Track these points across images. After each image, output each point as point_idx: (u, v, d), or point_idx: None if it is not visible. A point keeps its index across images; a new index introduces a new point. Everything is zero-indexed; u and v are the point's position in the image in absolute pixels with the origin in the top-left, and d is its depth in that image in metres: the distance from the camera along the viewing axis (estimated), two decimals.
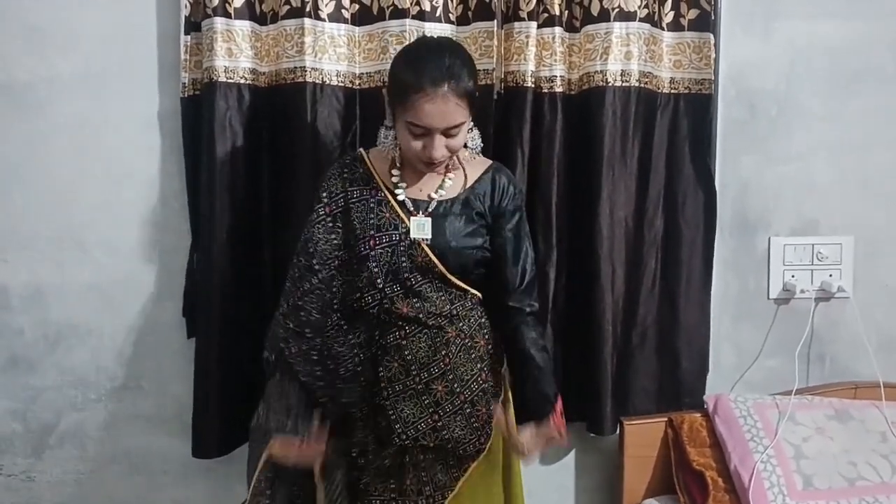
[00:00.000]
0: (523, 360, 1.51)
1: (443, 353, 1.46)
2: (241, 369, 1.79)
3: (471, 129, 1.48)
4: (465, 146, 1.50)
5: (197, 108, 1.79)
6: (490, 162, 1.56)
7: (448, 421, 1.46)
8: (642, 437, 1.89)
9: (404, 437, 1.45)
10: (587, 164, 1.83)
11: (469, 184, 1.51)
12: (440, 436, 1.46)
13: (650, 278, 1.91)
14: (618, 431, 1.90)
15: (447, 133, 1.40)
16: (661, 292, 1.92)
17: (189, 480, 1.96)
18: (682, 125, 1.89)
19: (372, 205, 1.47)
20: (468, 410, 1.48)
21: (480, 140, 1.52)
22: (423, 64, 1.37)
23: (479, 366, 1.50)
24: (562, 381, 1.87)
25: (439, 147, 1.39)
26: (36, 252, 1.90)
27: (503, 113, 1.80)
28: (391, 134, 1.48)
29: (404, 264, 1.45)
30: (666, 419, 1.90)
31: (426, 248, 1.45)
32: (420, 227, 1.45)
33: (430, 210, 1.48)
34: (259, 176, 1.81)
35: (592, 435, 1.93)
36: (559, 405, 1.50)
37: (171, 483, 1.97)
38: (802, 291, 1.98)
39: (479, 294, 1.53)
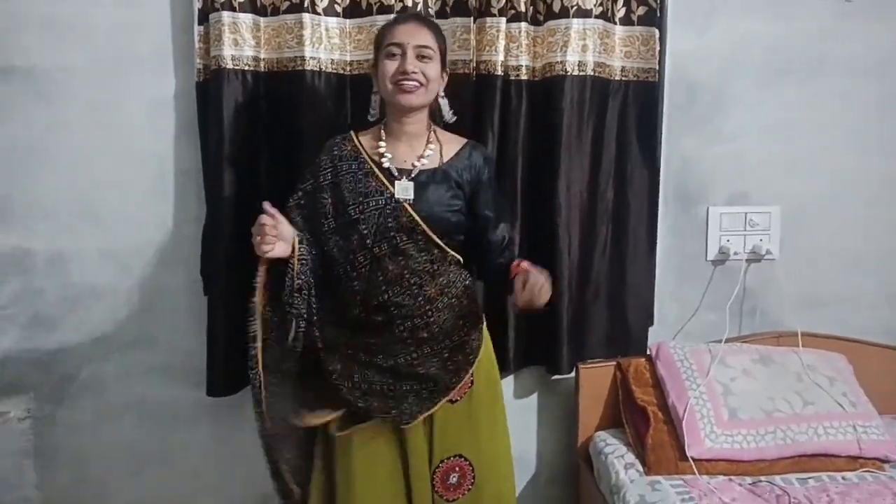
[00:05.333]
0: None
1: (427, 307, 1.59)
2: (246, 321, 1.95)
3: (443, 95, 1.68)
4: (440, 117, 1.69)
5: (208, 92, 1.92)
6: (465, 140, 1.71)
7: (425, 360, 1.60)
8: (595, 379, 2.07)
9: (385, 365, 1.59)
10: (548, 144, 1.98)
11: (447, 157, 1.66)
12: (415, 370, 1.59)
13: (602, 243, 2.08)
14: (574, 374, 2.09)
15: (420, 56, 1.60)
16: (611, 255, 2.09)
17: (196, 424, 2.11)
18: (631, 109, 2.05)
19: (360, 176, 1.61)
20: (446, 355, 1.62)
21: (451, 111, 1.70)
22: (399, 16, 1.75)
23: (460, 322, 1.64)
24: (525, 331, 2.07)
25: (411, 60, 1.59)
26: (57, 222, 2.00)
27: (476, 98, 1.95)
28: (377, 98, 1.69)
29: (391, 225, 1.58)
30: (615, 363, 2.09)
31: (411, 211, 1.58)
32: (404, 190, 1.60)
33: (412, 176, 1.62)
34: (261, 151, 1.95)
35: (552, 377, 2.14)
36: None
37: (180, 427, 2.11)
38: (736, 254, 2.18)
39: (458, 256, 1.66)
